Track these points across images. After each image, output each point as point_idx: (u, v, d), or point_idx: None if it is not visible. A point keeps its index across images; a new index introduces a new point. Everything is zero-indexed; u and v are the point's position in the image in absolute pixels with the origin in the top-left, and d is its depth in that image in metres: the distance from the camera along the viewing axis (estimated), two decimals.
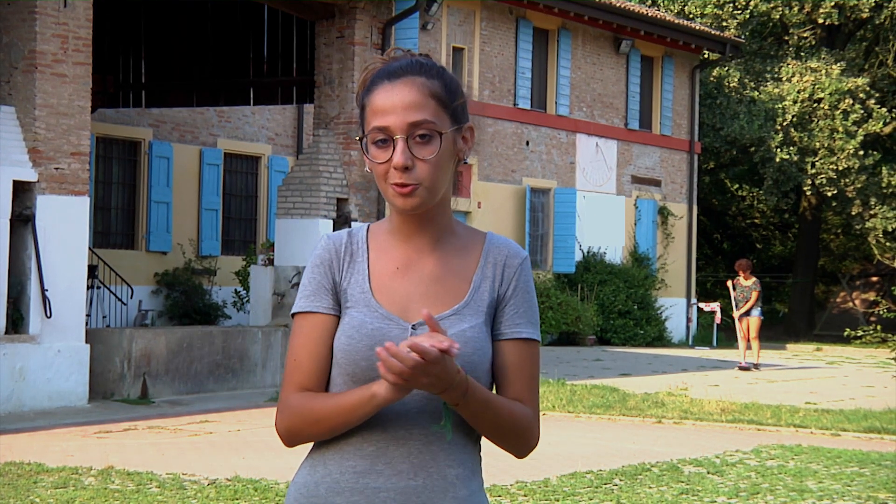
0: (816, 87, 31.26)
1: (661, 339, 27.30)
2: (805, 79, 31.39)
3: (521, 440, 2.42)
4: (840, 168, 31.19)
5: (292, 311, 2.47)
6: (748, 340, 20.86)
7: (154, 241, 22.51)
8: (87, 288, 16.34)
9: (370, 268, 2.43)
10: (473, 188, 24.71)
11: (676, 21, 28.89)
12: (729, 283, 21.36)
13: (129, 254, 22.24)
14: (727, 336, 28.83)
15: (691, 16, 32.08)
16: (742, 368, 20.47)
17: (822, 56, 32.33)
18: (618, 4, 26.56)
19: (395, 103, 2.35)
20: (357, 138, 2.44)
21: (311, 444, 2.46)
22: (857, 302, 38.40)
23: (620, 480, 9.51)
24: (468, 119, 2.45)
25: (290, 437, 2.40)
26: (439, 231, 2.44)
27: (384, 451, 2.36)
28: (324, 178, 16.66)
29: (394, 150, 2.34)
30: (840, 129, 31.05)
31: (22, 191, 13.50)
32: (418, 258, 2.44)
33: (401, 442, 2.36)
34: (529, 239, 25.78)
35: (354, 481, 2.36)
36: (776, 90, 31.34)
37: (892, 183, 32.23)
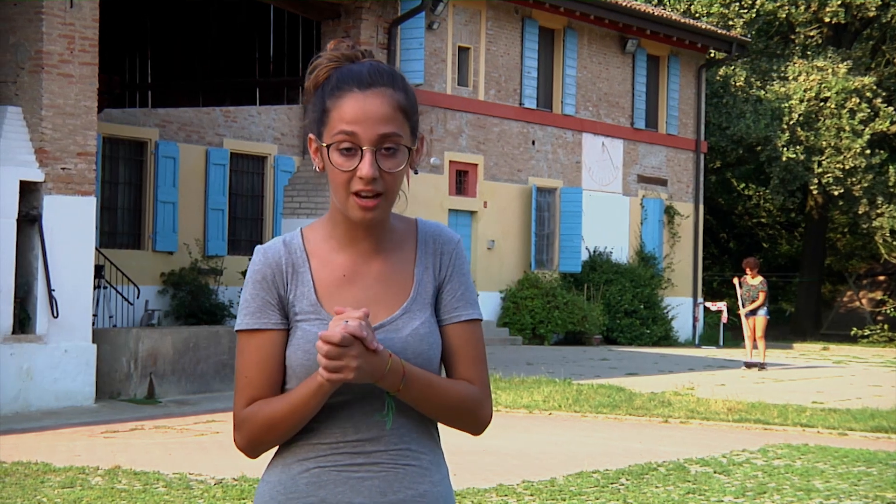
0: (823, 85, 31.22)
1: (667, 339, 27.28)
2: (811, 78, 31.35)
3: (470, 418, 2.47)
4: (847, 167, 31.15)
5: (236, 328, 2.46)
6: (754, 339, 20.85)
7: (160, 241, 22.53)
8: (94, 288, 16.36)
9: (314, 278, 2.44)
10: (479, 188, 24.70)
11: (682, 20, 28.87)
12: (735, 281, 21.35)
13: (136, 254, 22.26)
14: (734, 335, 28.80)
15: (697, 15, 32.06)
16: (748, 365, 20.49)
17: (829, 55, 32.29)
18: (624, 4, 26.54)
19: (366, 114, 2.36)
20: (318, 135, 2.41)
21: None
22: (863, 301, 38.34)
23: (627, 480, 9.51)
24: (419, 131, 2.48)
25: (252, 448, 2.43)
26: (382, 233, 2.47)
27: (361, 448, 2.40)
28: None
29: (361, 160, 2.36)
30: (847, 128, 31.00)
31: (29, 191, 13.52)
32: (363, 262, 2.46)
33: (375, 439, 2.40)
34: (535, 238, 25.77)
35: (336, 474, 2.40)
36: (782, 89, 31.31)
37: None
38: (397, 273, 2.47)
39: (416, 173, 2.52)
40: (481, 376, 2.48)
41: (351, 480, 2.39)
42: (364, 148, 2.36)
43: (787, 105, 30.94)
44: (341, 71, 2.41)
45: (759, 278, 20.85)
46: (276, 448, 2.47)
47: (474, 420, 2.47)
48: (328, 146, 2.38)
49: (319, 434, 2.40)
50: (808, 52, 33.14)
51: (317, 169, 2.45)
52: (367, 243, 2.45)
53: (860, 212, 32.50)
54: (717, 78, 31.78)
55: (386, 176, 2.37)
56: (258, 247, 2.50)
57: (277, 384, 2.42)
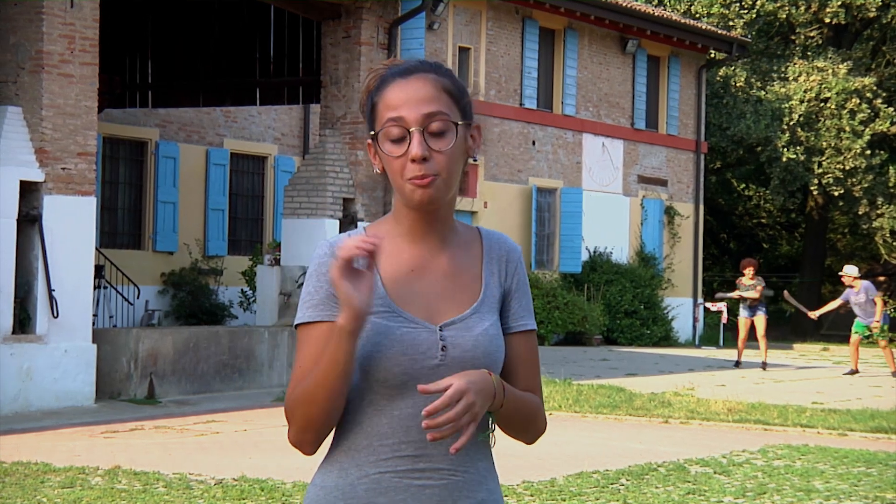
0: (823, 86, 31.22)
1: (667, 339, 27.28)
2: (812, 78, 31.35)
3: (535, 428, 2.50)
4: (847, 167, 31.14)
5: (298, 322, 2.39)
6: (758, 339, 20.83)
7: (161, 241, 22.54)
8: (94, 288, 16.36)
9: (381, 271, 2.39)
10: (480, 188, 24.70)
11: (683, 21, 28.86)
12: (735, 293, 21.31)
13: (136, 254, 22.27)
14: (733, 336, 28.79)
15: (698, 15, 32.06)
16: (764, 367, 20.43)
17: (829, 55, 32.29)
18: (624, 4, 26.55)
19: (409, 96, 2.37)
20: (370, 132, 2.42)
21: (327, 447, 2.42)
22: None
23: (627, 480, 9.51)
24: (474, 119, 2.47)
25: (301, 432, 2.32)
26: (447, 230, 2.45)
27: (423, 452, 2.36)
28: (330, 178, 16.67)
29: (410, 143, 2.35)
30: (847, 128, 31.01)
31: (29, 191, 13.52)
32: (431, 258, 2.44)
33: (437, 441, 2.34)
34: (536, 239, 25.77)
35: (398, 481, 2.35)
36: (783, 90, 31.31)
37: None
38: (465, 271, 2.46)
39: (474, 161, 2.52)
40: (540, 386, 2.52)
41: (412, 488, 2.35)
42: (411, 130, 2.35)
43: (787, 105, 30.94)
44: (386, 72, 2.44)
45: (756, 279, 20.84)
46: (329, 450, 2.41)
47: (538, 430, 2.50)
48: (377, 134, 2.38)
49: (381, 435, 2.36)
50: (809, 53, 33.14)
51: (377, 171, 2.44)
52: (432, 238, 2.43)
53: (860, 212, 32.49)
54: (718, 78, 31.78)
55: (437, 156, 2.36)
56: (322, 241, 2.47)
57: None
